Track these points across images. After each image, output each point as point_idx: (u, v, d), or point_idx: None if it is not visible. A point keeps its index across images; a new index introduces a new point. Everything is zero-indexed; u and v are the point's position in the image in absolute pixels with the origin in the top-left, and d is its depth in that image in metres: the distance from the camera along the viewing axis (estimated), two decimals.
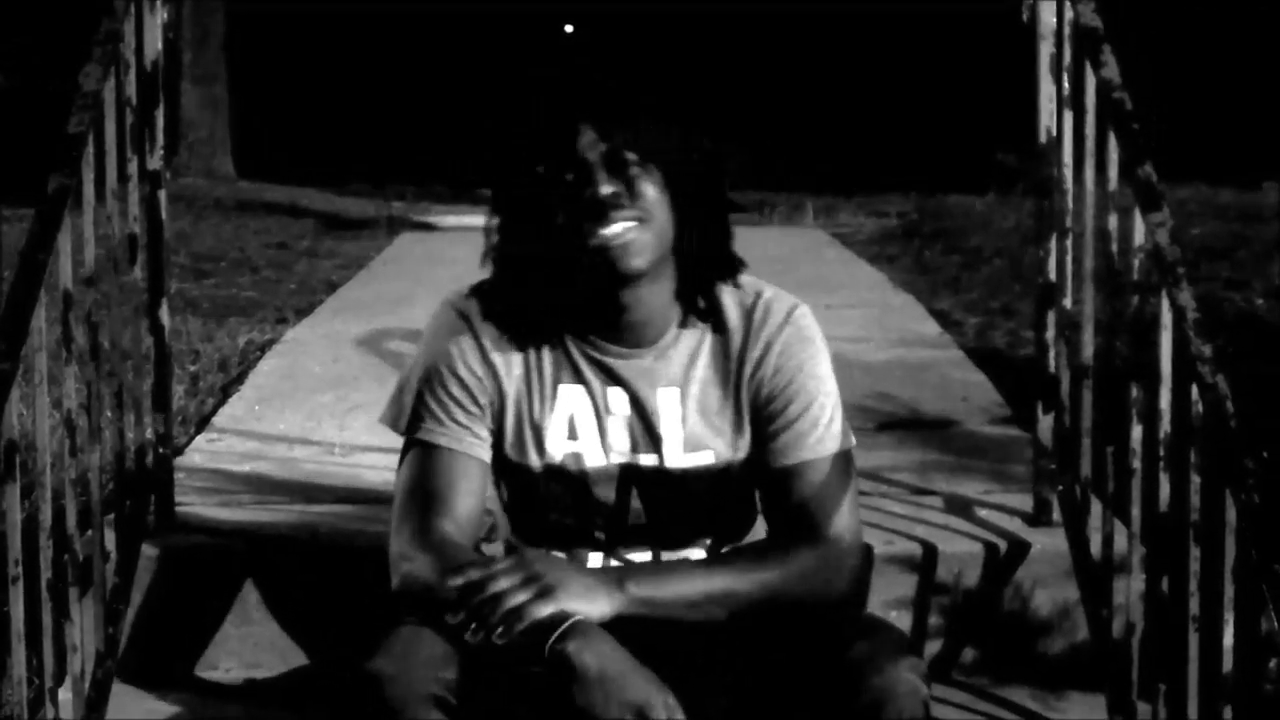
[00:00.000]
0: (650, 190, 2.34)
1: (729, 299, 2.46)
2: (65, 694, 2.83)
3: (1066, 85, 3.28)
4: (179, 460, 3.92)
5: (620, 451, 2.44)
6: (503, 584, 2.17)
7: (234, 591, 3.24)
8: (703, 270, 2.43)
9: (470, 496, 2.40)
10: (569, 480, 2.45)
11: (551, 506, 2.46)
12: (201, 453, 4.15)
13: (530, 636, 2.14)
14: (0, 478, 2.46)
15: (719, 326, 2.45)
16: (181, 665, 3.22)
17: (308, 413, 4.60)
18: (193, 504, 3.54)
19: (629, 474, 2.45)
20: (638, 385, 2.43)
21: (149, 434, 3.31)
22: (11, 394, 2.48)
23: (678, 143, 2.38)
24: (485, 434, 2.43)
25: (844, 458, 2.45)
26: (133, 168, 3.18)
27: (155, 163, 3.30)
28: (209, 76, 16.12)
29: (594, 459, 2.44)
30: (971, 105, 18.48)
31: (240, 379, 5.20)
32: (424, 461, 2.41)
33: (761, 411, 2.44)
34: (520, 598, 2.16)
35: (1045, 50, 3.35)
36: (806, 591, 2.35)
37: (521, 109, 2.44)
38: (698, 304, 2.44)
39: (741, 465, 2.47)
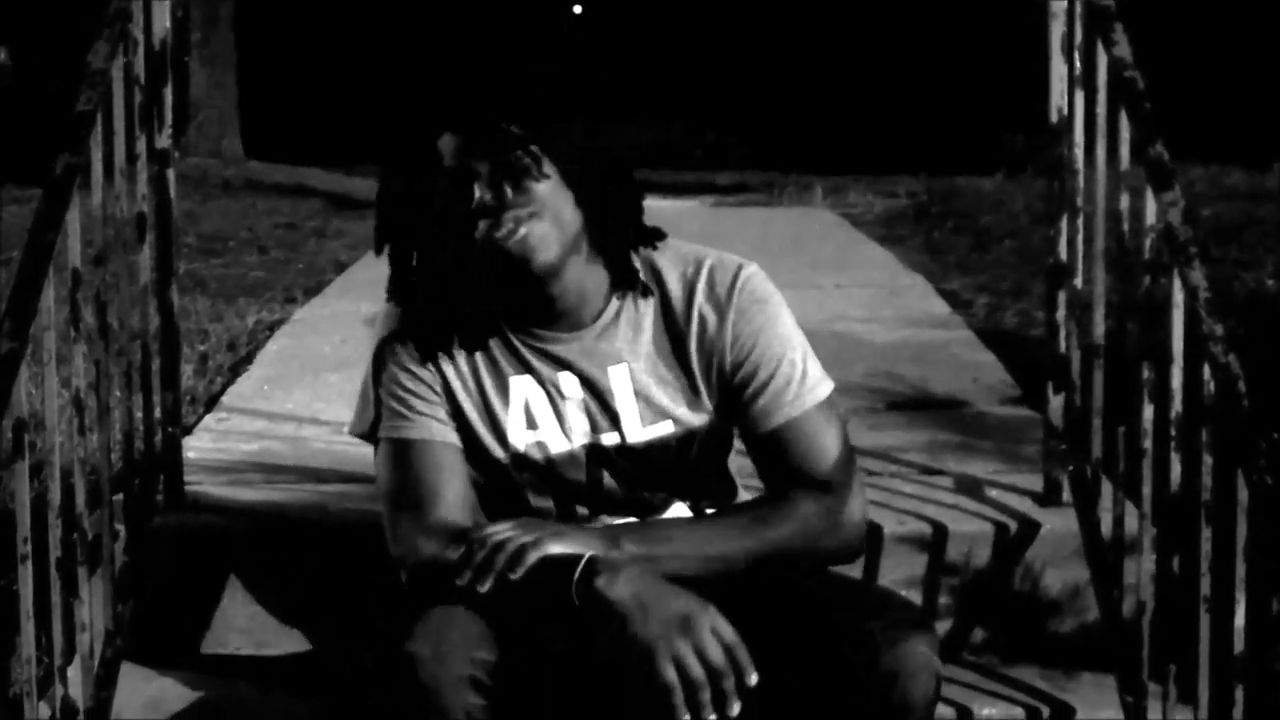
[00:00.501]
0: (536, 185, 2.34)
1: (669, 269, 2.47)
2: (74, 672, 2.83)
3: (1078, 65, 3.27)
4: (187, 440, 3.91)
5: (581, 433, 2.46)
6: (508, 532, 2.19)
7: (243, 570, 3.23)
8: (617, 245, 2.44)
9: (455, 480, 2.41)
10: (537, 469, 2.46)
11: (529, 493, 2.48)
12: (210, 432, 4.15)
13: (550, 580, 2.14)
14: (9, 456, 2.45)
15: (662, 297, 2.46)
16: (190, 644, 3.21)
17: (316, 392, 4.60)
18: (201, 483, 3.54)
19: (594, 454, 2.47)
20: (585, 366, 2.44)
21: (158, 413, 3.30)
22: (20, 373, 2.47)
23: (556, 130, 2.39)
24: (447, 419, 2.44)
25: (826, 405, 2.45)
26: (141, 146, 3.17)
27: (164, 141, 3.29)
28: (218, 56, 16.10)
29: (557, 445, 2.46)
30: (981, 86, 18.44)
31: (249, 359, 5.21)
32: (399, 458, 2.42)
33: (731, 381, 2.45)
34: (525, 539, 2.18)
35: (1057, 29, 3.34)
36: (811, 545, 2.36)
37: (394, 123, 2.45)
38: (625, 278, 2.45)
39: (706, 431, 2.48)
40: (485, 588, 2.15)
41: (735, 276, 2.45)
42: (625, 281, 2.44)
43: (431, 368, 2.43)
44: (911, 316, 5.88)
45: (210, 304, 6.45)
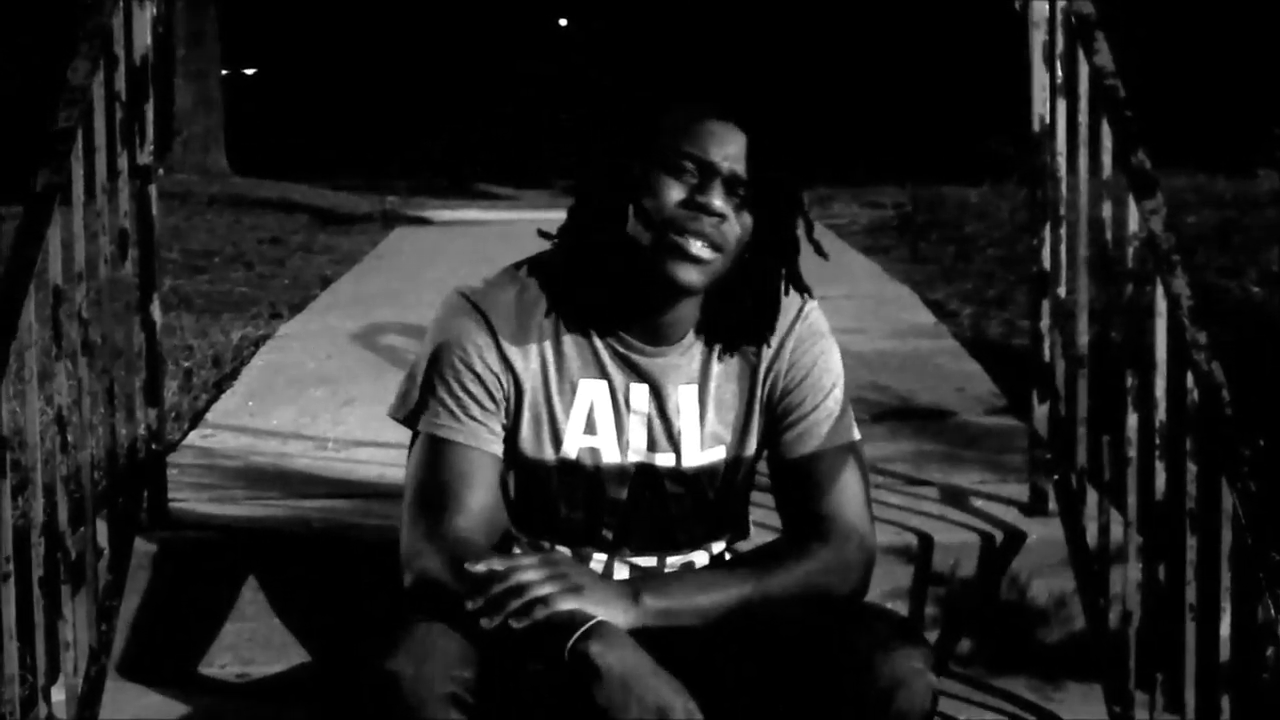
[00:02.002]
0: (743, 226, 2.31)
1: None
2: (58, 692, 2.82)
3: (1059, 73, 3.27)
4: (172, 456, 3.90)
5: (637, 450, 2.43)
6: (528, 575, 2.14)
7: (228, 587, 3.22)
8: (726, 324, 2.43)
9: (484, 493, 2.37)
10: (583, 476, 2.43)
11: (562, 502, 2.44)
12: (194, 448, 4.13)
13: (550, 632, 2.12)
14: None
15: None
16: (175, 661, 3.20)
17: (301, 408, 4.59)
18: (186, 500, 3.53)
19: (644, 474, 2.44)
20: (662, 382, 2.42)
21: (141, 430, 3.30)
22: (1, 390, 2.46)
23: (791, 190, 2.34)
24: (499, 429, 2.39)
25: (856, 449, 2.47)
26: (123, 163, 3.16)
27: (145, 158, 3.28)
28: (203, 72, 16.11)
29: (610, 456, 2.43)
30: (967, 95, 18.48)
31: (234, 375, 5.20)
32: (437, 457, 2.37)
33: (777, 406, 2.45)
34: (544, 590, 2.13)
35: (1038, 38, 3.34)
36: (822, 591, 2.33)
37: (674, 88, 2.37)
38: (711, 333, 2.44)
39: (748, 462, 2.48)
40: (491, 625, 2.12)
41: (800, 309, 2.47)
42: (715, 336, 2.43)
43: (502, 364, 2.38)
44: (897, 327, 5.88)
45: (195, 320, 6.44)
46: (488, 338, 2.38)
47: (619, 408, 2.42)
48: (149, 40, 3.28)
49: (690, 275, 2.29)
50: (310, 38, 21.86)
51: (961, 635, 3.25)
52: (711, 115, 2.30)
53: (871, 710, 2.16)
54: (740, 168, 2.28)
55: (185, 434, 4.31)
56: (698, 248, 2.28)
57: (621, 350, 2.41)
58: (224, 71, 16.82)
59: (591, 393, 2.42)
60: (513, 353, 2.38)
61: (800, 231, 2.39)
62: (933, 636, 3.22)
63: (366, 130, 20.76)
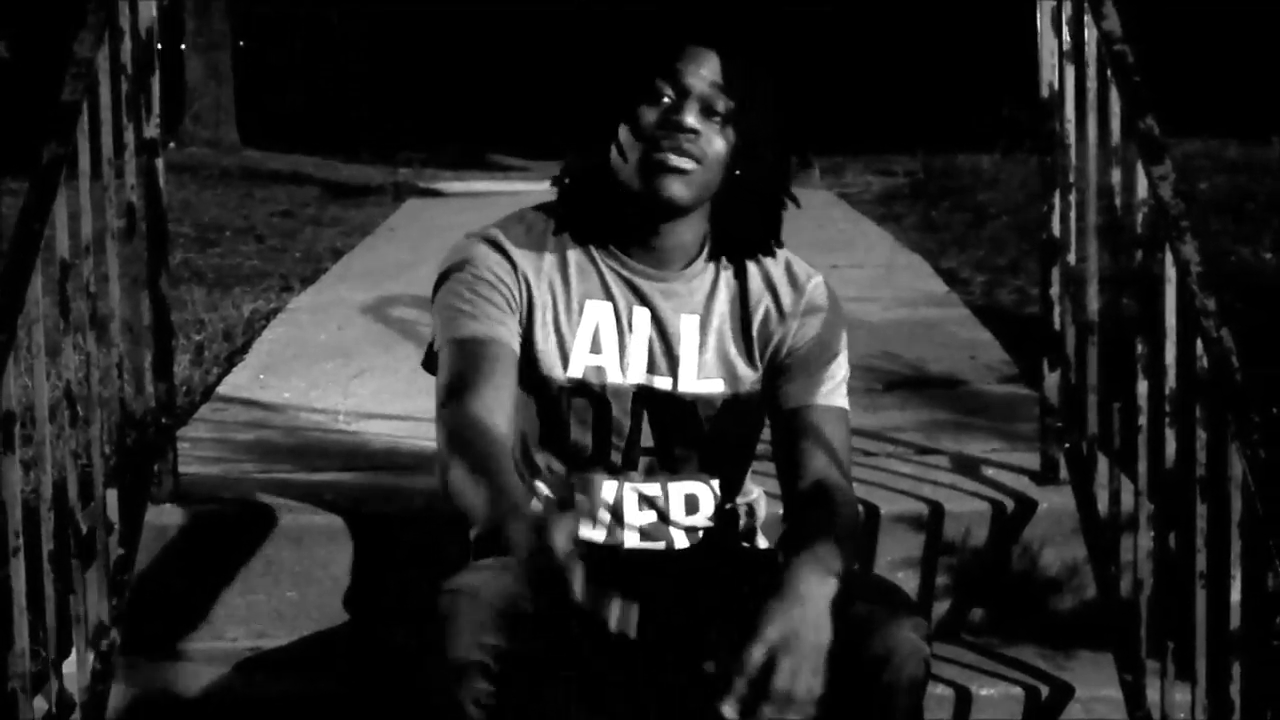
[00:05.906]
0: (726, 140, 2.39)
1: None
2: (70, 666, 2.82)
3: (1068, 38, 3.25)
4: (183, 430, 3.91)
5: (637, 370, 2.50)
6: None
7: (239, 560, 3.22)
8: (736, 238, 2.51)
9: (506, 379, 2.40)
10: (590, 395, 2.49)
11: (573, 423, 2.49)
12: (206, 422, 4.14)
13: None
14: None
15: (739, 272, 2.53)
16: (187, 635, 3.21)
17: (312, 380, 4.59)
18: (197, 473, 3.53)
19: (643, 395, 2.50)
20: (662, 306, 2.49)
21: (151, 404, 3.30)
22: (9, 364, 2.46)
23: (770, 109, 2.43)
24: (516, 327, 2.45)
25: (847, 414, 2.53)
26: (129, 136, 3.16)
27: (152, 131, 3.27)
28: (213, 44, 16.09)
29: (613, 376, 2.49)
30: (980, 62, 18.42)
31: (245, 348, 5.20)
32: (456, 355, 2.40)
33: (785, 360, 2.51)
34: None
35: (1046, 3, 3.33)
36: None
37: (650, 19, 2.46)
38: (724, 249, 2.52)
39: (746, 400, 2.53)
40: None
41: (810, 275, 2.56)
42: (720, 250, 2.51)
43: (513, 274, 2.45)
44: (909, 295, 5.87)
45: (206, 294, 6.44)
46: (499, 255, 2.46)
47: (622, 329, 2.50)
48: (154, 12, 3.27)
49: (674, 188, 2.37)
50: (322, 9, 21.82)
51: (973, 604, 3.25)
52: (688, 40, 2.40)
53: (862, 679, 2.17)
54: (715, 89, 2.38)
55: (196, 407, 4.32)
56: (676, 160, 2.36)
57: (625, 274, 2.49)
58: (240, 43, 16.81)
59: (597, 313, 2.49)
60: (525, 268, 2.46)
61: (792, 180, 2.50)
62: (944, 605, 3.22)
63: (378, 102, 20.73)
